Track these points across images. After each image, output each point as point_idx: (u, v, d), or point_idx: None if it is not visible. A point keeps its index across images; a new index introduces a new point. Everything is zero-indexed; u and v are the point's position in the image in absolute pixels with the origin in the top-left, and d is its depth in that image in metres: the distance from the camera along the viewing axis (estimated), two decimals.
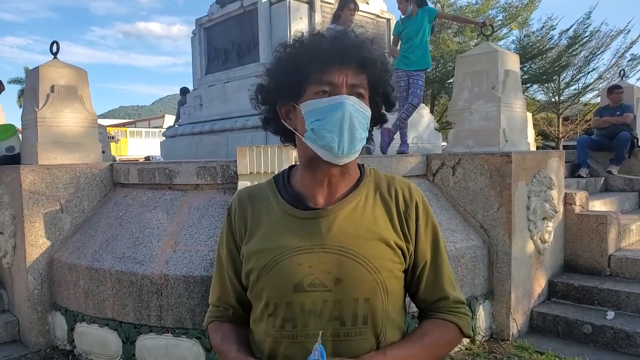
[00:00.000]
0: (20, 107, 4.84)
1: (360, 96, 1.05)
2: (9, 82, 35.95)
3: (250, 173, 3.48)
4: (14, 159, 4.54)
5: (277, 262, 1.05)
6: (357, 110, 1.03)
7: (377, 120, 1.15)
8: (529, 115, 7.15)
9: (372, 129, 1.17)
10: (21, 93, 33.74)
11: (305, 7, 5.98)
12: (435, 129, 6.87)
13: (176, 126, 8.38)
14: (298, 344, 1.03)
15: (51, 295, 3.91)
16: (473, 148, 4.42)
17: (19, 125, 4.96)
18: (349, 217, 1.08)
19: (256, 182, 3.47)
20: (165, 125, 26.58)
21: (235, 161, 3.53)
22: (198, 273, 3.20)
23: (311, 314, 1.03)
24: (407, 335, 1.13)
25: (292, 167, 1.21)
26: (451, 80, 16.19)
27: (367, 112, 1.07)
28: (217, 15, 6.74)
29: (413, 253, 1.13)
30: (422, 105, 6.19)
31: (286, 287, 1.04)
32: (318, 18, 6.01)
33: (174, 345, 3.25)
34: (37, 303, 3.86)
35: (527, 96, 17.43)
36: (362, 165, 1.19)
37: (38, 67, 4.37)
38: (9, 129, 5.00)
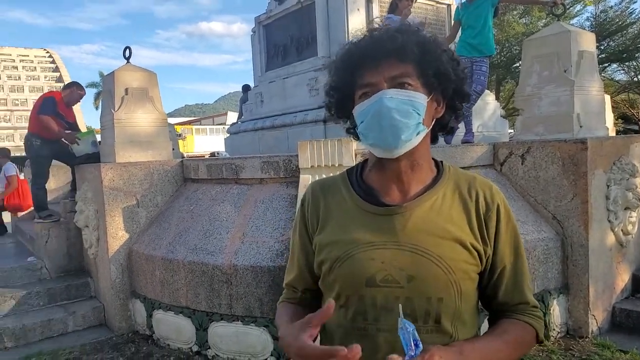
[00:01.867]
0: (97, 109, 5.20)
1: (403, 85, 1.04)
2: (87, 86, 38.56)
3: (311, 167, 3.53)
4: (95, 156, 4.89)
5: (350, 256, 1.07)
6: (397, 100, 1.03)
7: (451, 96, 1.11)
8: (607, 97, 6.68)
9: (458, 105, 1.14)
10: (97, 96, 36.05)
11: None
12: (501, 116, 6.59)
13: (239, 123, 8.64)
14: (369, 337, 1.04)
15: (131, 284, 4.19)
16: (543, 135, 4.20)
17: (96, 126, 5.34)
18: (425, 215, 1.07)
19: (317, 176, 3.52)
20: (228, 122, 27.43)
21: (297, 155, 3.60)
22: (265, 264, 3.30)
23: (383, 309, 1.04)
24: (487, 332, 1.11)
25: (365, 161, 1.21)
26: (517, 65, 15.45)
27: (412, 97, 1.04)
28: (276, 12, 6.84)
29: (491, 256, 1.10)
30: (486, 91, 5.96)
31: (359, 281, 1.05)
32: (376, 9, 5.94)
33: (244, 333, 3.38)
34: (119, 291, 4.16)
35: (604, 77, 16.29)
36: (441, 162, 1.17)
37: (114, 71, 4.67)
38: (89, 131, 5.45)
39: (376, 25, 1.11)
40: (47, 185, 5.33)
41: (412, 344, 0.87)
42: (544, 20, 14.94)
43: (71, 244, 5.07)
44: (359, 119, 1.08)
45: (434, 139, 1.17)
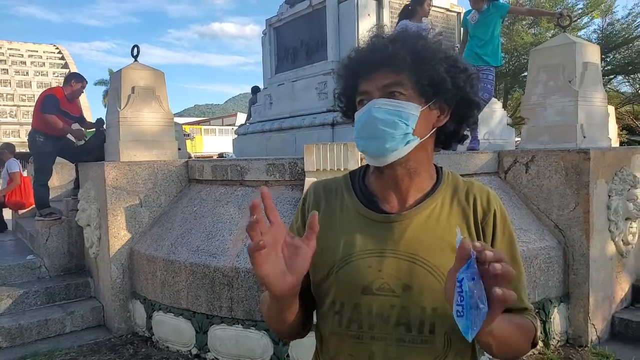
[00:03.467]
0: (105, 106, 5.22)
1: (393, 94, 1.04)
2: (95, 84, 38.71)
3: (316, 170, 3.54)
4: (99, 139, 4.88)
5: (348, 262, 1.06)
6: (385, 110, 1.03)
7: (456, 105, 1.09)
8: (612, 109, 6.65)
9: (468, 115, 1.12)
10: (106, 94, 36.28)
11: (373, 4, 5.95)
12: (508, 124, 6.58)
13: (247, 124, 8.67)
14: (363, 344, 1.04)
15: (131, 285, 4.19)
16: (548, 144, 4.19)
17: None
18: (423, 224, 1.07)
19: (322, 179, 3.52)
20: (238, 123, 27.52)
21: (302, 158, 3.60)
22: None
23: (378, 317, 1.03)
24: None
25: (368, 165, 1.21)
26: (525, 74, 15.42)
27: (400, 107, 1.04)
28: (287, 15, 6.87)
29: None
30: (494, 99, 5.96)
31: (355, 288, 1.05)
32: (386, 14, 5.95)
33: (244, 336, 3.38)
34: (119, 291, 4.16)
35: (610, 88, 16.26)
36: (441, 168, 1.17)
37: (121, 69, 4.69)
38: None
39: (379, 32, 1.11)
40: (50, 183, 5.32)
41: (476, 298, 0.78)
42: (552, 31, 14.92)
43: (72, 242, 5.07)
44: (355, 126, 1.10)
45: (447, 146, 1.17)
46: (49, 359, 3.76)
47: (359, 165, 3.40)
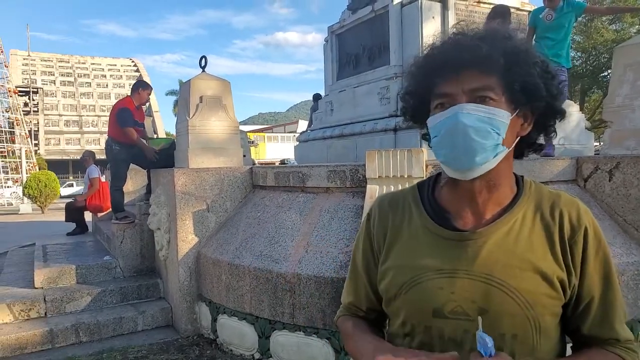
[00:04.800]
0: (176, 116, 5.44)
1: (483, 99, 0.93)
2: (166, 94, 40.96)
3: (379, 177, 3.45)
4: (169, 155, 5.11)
5: (417, 283, 0.99)
6: (476, 117, 0.92)
7: (541, 113, 1.00)
8: None
9: (549, 124, 1.03)
10: (176, 103, 38.23)
11: (438, 6, 5.79)
12: (586, 128, 6.15)
13: (309, 131, 8.73)
14: None
15: (198, 287, 4.30)
16: (635, 150, 3.84)
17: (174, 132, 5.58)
18: (501, 242, 0.97)
19: (384, 186, 3.43)
20: (299, 130, 27.95)
21: (364, 165, 3.53)
22: (328, 274, 3.25)
23: (451, 342, 0.95)
24: (569, 356, 1.00)
25: (438, 174, 1.12)
26: (605, 74, 14.44)
27: (493, 114, 0.93)
28: (349, 21, 6.85)
29: (576, 286, 0.98)
30: (569, 102, 5.60)
31: (425, 311, 0.97)
32: (452, 17, 5.77)
33: (305, 343, 3.34)
34: (186, 293, 4.28)
35: None
36: (522, 177, 1.05)
37: (190, 80, 4.86)
38: (163, 139, 5.76)
39: (463, 28, 1.00)
40: (124, 188, 5.63)
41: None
42: (637, 26, 13.85)
43: (144, 245, 5.31)
44: (432, 132, 0.98)
45: (520, 155, 1.06)
46: (123, 355, 3.93)
47: (424, 172, 3.31)
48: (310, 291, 3.30)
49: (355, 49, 6.81)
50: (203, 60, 5.02)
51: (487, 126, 0.92)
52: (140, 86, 5.59)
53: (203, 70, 4.98)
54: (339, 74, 7.20)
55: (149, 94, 5.66)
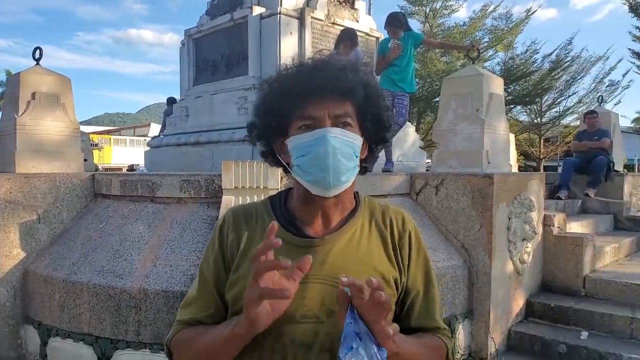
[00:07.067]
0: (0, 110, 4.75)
1: (346, 125, 1.04)
2: None
3: (235, 188, 3.46)
4: None
5: None
6: (342, 140, 1.02)
7: (376, 141, 1.15)
8: (512, 136, 7.28)
9: (377, 149, 1.17)
10: (2, 96, 33.25)
11: (295, 23, 6.02)
12: (420, 147, 6.93)
13: (161, 136, 8.32)
14: None
15: (24, 308, 3.80)
16: (456, 169, 4.46)
17: None
18: (344, 248, 1.07)
19: (241, 197, 3.45)
20: (151, 134, 26.39)
21: (220, 175, 3.51)
22: (178, 288, 3.15)
23: (302, 346, 1.01)
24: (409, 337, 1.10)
25: (289, 190, 1.19)
26: (437, 99, 16.41)
27: (354, 140, 1.05)
28: (207, 26, 6.74)
29: (405, 283, 1.13)
30: (407, 123, 6.26)
31: (278, 319, 1.00)
32: (308, 35, 6.05)
33: None
34: (8, 316, 3.75)
35: (510, 117, 17.78)
36: (357, 193, 1.18)
37: (19, 73, 4.32)
38: None
39: (325, 56, 1.12)
40: None
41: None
42: (461, 61, 16.08)
43: None
44: (297, 152, 1.05)
45: (363, 173, 1.20)
46: None
47: (279, 184, 3.42)
48: (158, 306, 3.16)
49: (213, 55, 6.71)
50: (37, 51, 4.49)
51: (350, 150, 1.04)
52: None
53: (37, 63, 4.46)
54: (195, 79, 7.02)
55: None
